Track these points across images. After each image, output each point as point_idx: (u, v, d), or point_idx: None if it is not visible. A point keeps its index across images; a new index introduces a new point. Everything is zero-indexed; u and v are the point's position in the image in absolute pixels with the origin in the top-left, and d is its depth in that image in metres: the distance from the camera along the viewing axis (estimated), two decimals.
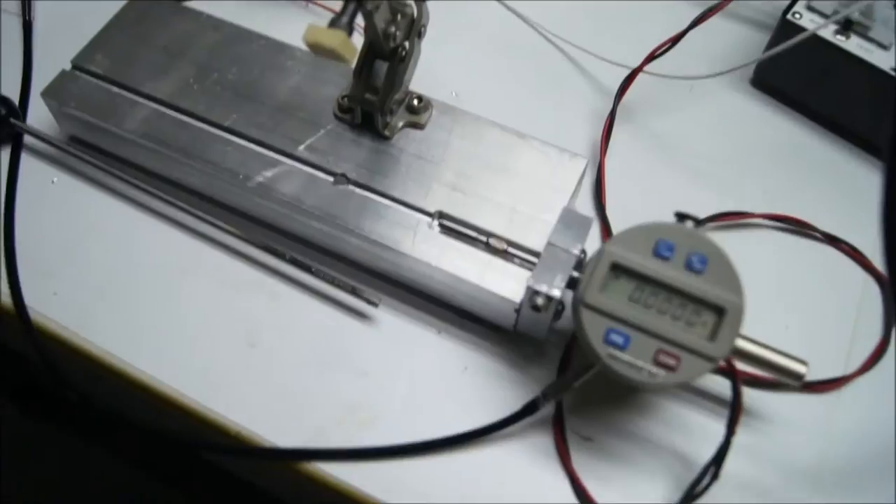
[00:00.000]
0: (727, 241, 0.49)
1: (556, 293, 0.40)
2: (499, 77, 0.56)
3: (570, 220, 0.43)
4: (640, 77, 0.52)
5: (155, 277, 0.48)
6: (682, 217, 0.39)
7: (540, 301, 0.40)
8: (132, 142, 0.48)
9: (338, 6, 0.40)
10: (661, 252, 0.38)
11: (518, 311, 0.42)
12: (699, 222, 0.39)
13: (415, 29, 0.44)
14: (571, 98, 0.55)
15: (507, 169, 0.46)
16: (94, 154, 0.50)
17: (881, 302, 0.48)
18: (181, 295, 0.47)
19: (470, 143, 0.47)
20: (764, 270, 0.48)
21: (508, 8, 0.58)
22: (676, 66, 0.51)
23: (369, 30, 0.42)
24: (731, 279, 0.37)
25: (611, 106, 0.52)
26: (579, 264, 0.41)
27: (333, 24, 0.39)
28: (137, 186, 0.49)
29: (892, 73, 0.49)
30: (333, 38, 0.38)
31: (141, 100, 0.49)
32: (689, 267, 0.37)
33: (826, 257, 0.49)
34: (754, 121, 0.54)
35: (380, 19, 0.42)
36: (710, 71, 0.50)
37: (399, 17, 0.43)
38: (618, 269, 0.38)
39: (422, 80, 0.47)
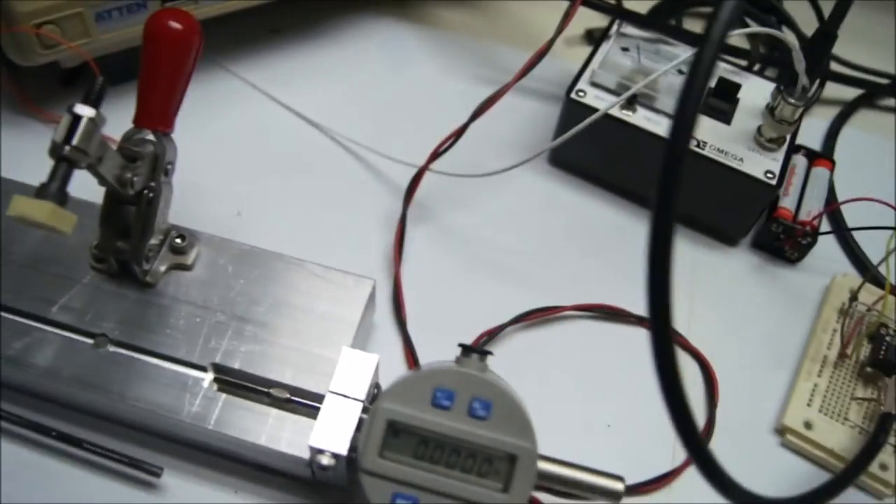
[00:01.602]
0: (538, 338, 0.47)
1: (342, 450, 0.36)
2: (285, 187, 0.52)
3: (352, 361, 0.39)
4: (430, 173, 0.49)
5: None
6: (467, 350, 0.36)
7: (325, 461, 0.36)
8: None
9: None
10: (439, 402, 0.34)
11: (311, 465, 0.38)
12: (486, 347, 0.36)
13: (159, 168, 0.40)
14: (362, 203, 0.51)
15: (287, 304, 0.42)
16: None
17: (701, 382, 0.46)
18: None
19: (244, 280, 0.43)
20: (579, 364, 0.46)
21: (288, 108, 0.54)
22: (464, 158, 0.48)
23: (100, 182, 0.38)
24: (519, 421, 0.34)
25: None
26: (367, 409, 0.38)
27: (41, 193, 0.34)
28: None
29: None
30: (41, 211, 0.33)
31: None
32: (472, 414, 0.34)
33: (642, 341, 0.47)
34: (555, 203, 0.52)
35: (109, 170, 0.37)
36: (501, 161, 0.48)
37: (137, 160, 0.39)
38: (395, 427, 0.34)
39: (201, 198, 0.43)
